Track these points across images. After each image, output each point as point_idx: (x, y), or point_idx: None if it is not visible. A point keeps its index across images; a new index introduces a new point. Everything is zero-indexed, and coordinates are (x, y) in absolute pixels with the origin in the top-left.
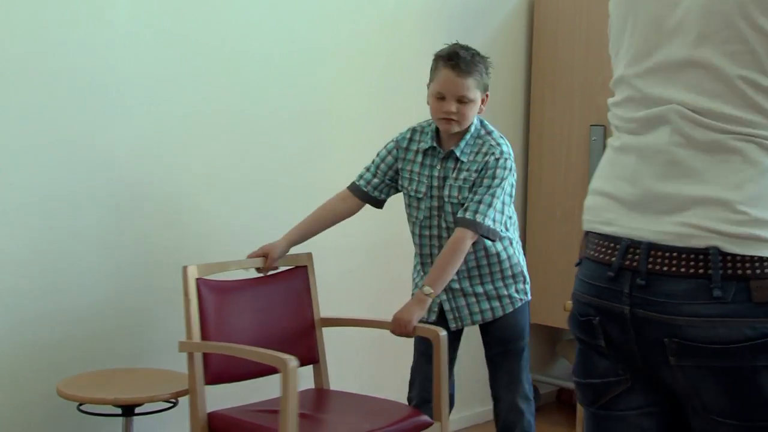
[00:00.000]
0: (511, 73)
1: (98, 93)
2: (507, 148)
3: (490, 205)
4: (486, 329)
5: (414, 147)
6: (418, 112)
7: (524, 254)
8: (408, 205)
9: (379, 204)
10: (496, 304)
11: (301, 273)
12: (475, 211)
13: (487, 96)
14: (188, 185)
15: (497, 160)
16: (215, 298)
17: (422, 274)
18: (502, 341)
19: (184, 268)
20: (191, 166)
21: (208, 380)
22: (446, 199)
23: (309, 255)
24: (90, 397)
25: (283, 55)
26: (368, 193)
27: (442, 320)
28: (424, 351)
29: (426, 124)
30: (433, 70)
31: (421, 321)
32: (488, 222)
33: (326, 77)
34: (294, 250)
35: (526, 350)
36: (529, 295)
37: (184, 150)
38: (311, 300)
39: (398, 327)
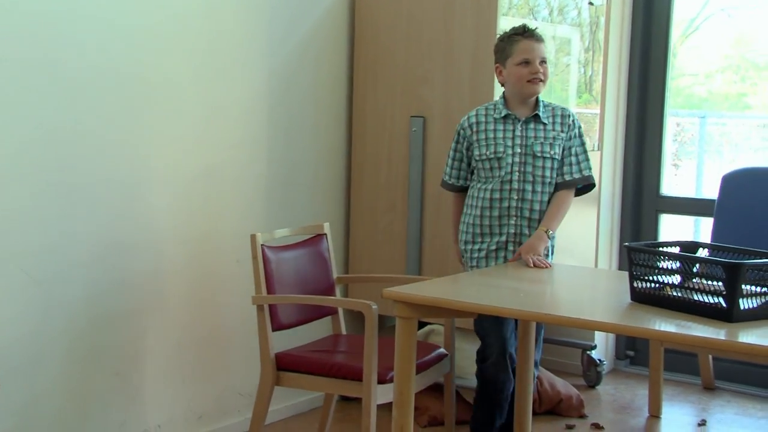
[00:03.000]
0: (333, 64)
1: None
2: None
3: (587, 159)
4: None
5: (486, 119)
6: (242, 97)
7: (348, 244)
8: (483, 169)
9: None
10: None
11: (322, 240)
12: (582, 169)
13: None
14: None
15: (574, 121)
16: (274, 260)
17: (498, 225)
18: None
19: (253, 236)
20: None
21: (275, 327)
22: (538, 154)
23: (326, 224)
24: None
25: (102, 39)
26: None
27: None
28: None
29: (489, 104)
30: (505, 48)
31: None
32: (591, 172)
33: (145, 60)
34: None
35: None
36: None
37: None
38: (329, 262)
39: (527, 255)
